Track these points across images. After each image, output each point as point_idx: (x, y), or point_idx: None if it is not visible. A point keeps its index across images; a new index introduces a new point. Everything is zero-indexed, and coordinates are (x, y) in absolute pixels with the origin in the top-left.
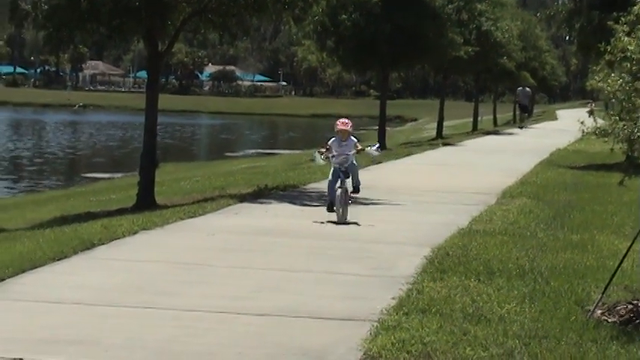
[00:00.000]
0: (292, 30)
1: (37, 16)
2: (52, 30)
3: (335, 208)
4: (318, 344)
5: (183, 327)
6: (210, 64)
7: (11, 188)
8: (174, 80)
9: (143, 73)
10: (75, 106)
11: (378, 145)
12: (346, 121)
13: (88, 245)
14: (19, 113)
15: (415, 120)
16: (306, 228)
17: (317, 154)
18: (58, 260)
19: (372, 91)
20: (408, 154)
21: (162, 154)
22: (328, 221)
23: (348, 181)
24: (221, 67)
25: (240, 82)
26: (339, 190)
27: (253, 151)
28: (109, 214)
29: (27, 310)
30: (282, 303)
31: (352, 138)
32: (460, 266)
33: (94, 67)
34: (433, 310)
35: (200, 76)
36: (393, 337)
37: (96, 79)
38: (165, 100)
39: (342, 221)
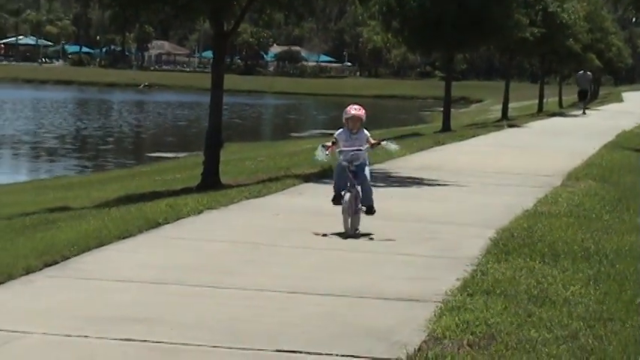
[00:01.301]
0: (358, 10)
1: None
2: (118, 9)
3: (342, 216)
4: (384, 325)
5: (249, 306)
6: (275, 44)
7: (77, 167)
8: (239, 60)
9: (208, 53)
10: (140, 85)
11: (393, 140)
12: (358, 107)
13: (154, 224)
14: (85, 93)
15: (480, 101)
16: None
17: (320, 149)
18: (123, 239)
19: (437, 72)
20: (473, 136)
21: (227, 133)
22: (332, 234)
23: (359, 188)
24: (286, 48)
25: (305, 63)
26: (348, 195)
27: (318, 131)
28: (174, 193)
29: (93, 289)
30: (347, 283)
31: (364, 131)
32: (525, 248)
33: (159, 46)
34: (498, 291)
35: (265, 56)
36: (457, 319)
37: (161, 58)
38: (230, 80)
39: (350, 234)
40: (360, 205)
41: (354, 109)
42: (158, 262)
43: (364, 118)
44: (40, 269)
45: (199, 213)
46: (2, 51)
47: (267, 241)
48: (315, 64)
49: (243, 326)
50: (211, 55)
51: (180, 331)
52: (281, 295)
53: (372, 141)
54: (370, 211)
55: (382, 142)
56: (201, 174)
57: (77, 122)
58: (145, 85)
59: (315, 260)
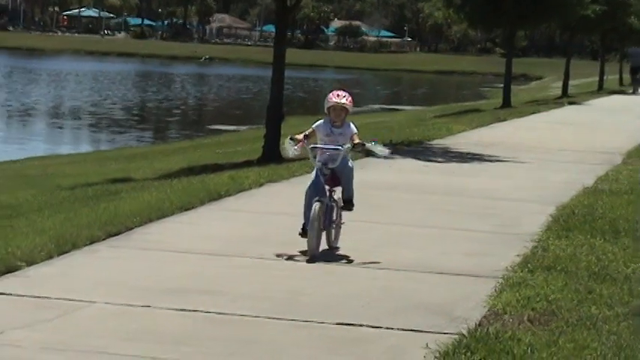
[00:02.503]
0: None
1: None
2: None
3: (308, 231)
4: (443, 300)
5: (309, 279)
6: (335, 19)
7: (140, 138)
8: (299, 35)
9: (269, 27)
10: (201, 58)
11: (384, 146)
12: (344, 93)
13: (215, 196)
14: (147, 65)
15: (540, 78)
16: (430, 183)
17: (288, 142)
18: (185, 210)
19: (497, 48)
20: (533, 112)
21: (288, 107)
22: (300, 252)
23: (338, 190)
24: (347, 23)
25: (365, 38)
26: (317, 206)
27: (377, 106)
28: (235, 165)
29: (154, 259)
30: (406, 258)
31: (351, 125)
32: (586, 225)
33: (220, 20)
34: (558, 267)
35: (326, 30)
36: (517, 294)
37: (222, 32)
38: (291, 54)
39: (315, 254)
40: (336, 223)
41: (337, 96)
42: (220, 234)
43: (350, 108)
44: (104, 239)
45: (260, 186)
46: (65, 23)
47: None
48: (375, 39)
49: (303, 299)
50: (272, 29)
51: (241, 303)
52: (341, 268)
53: (356, 140)
54: (348, 206)
55: (367, 145)
56: (263, 147)
57: (139, 94)
58: (207, 58)
59: (374, 234)
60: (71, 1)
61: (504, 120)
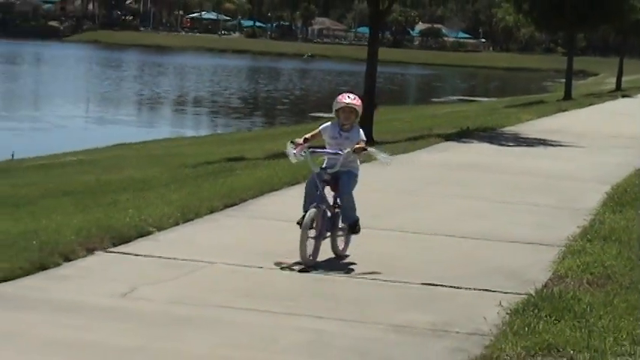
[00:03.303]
0: None
1: None
2: None
3: (300, 238)
4: (515, 265)
5: (397, 245)
6: (420, 22)
7: (252, 124)
8: (389, 35)
9: (363, 29)
10: (304, 55)
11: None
12: (354, 95)
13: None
14: (258, 61)
15: (596, 75)
16: (503, 164)
17: (289, 146)
18: (292, 185)
19: (559, 48)
20: (590, 104)
21: (378, 98)
22: (296, 264)
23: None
24: (429, 25)
25: (445, 38)
26: (312, 212)
27: (456, 97)
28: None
29: (266, 227)
30: (482, 228)
31: (360, 131)
32: (637, 201)
33: (320, 22)
34: (613, 238)
35: (411, 32)
36: (577, 261)
37: (322, 33)
38: (381, 52)
39: (309, 263)
40: (340, 224)
41: (348, 98)
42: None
43: (360, 110)
44: (222, 209)
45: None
46: (188, 24)
47: (413, 190)
48: (454, 39)
49: (392, 262)
50: (366, 31)
51: (337, 266)
52: (424, 236)
53: (357, 145)
54: (354, 229)
55: (369, 149)
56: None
57: (252, 86)
58: (309, 56)
59: (455, 207)
60: (193, 5)
61: (566, 110)
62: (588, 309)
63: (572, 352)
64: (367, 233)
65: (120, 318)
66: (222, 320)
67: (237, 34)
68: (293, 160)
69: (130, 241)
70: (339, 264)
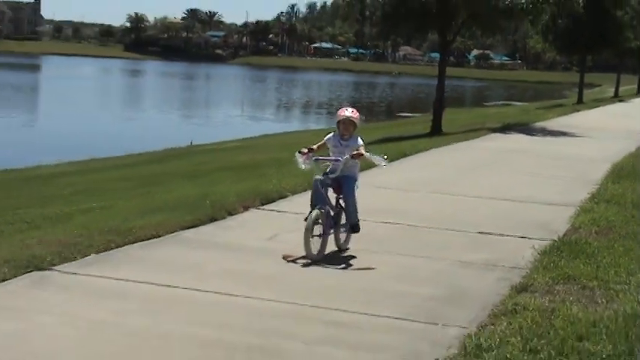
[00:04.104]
0: (528, 29)
1: (373, 21)
2: (382, 28)
3: (304, 237)
4: (544, 219)
5: (459, 207)
6: (474, 49)
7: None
8: (452, 58)
9: (434, 54)
10: (393, 73)
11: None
12: (352, 109)
13: (403, 155)
14: (360, 77)
15: (600, 86)
16: (534, 149)
17: (297, 156)
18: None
19: (574, 67)
20: (596, 106)
21: (444, 102)
22: (301, 258)
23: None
24: (481, 51)
25: (492, 61)
26: (314, 213)
27: (500, 102)
28: (414, 137)
29: (371, 190)
30: (520, 194)
31: (358, 139)
32: (631, 175)
33: (404, 49)
34: (613, 201)
35: (468, 56)
36: (588, 217)
37: (405, 57)
38: (447, 70)
39: (314, 258)
40: (342, 222)
41: (347, 111)
42: (405, 178)
43: (358, 122)
44: None
45: (429, 149)
46: (312, 51)
47: (469, 167)
48: (498, 61)
49: (454, 217)
50: (436, 55)
51: (418, 219)
52: (477, 199)
53: (360, 151)
54: (354, 229)
55: (365, 154)
56: (430, 126)
57: (356, 94)
58: (396, 73)
59: (500, 180)
60: (316, 37)
61: (579, 111)
62: (596, 251)
63: (584, 281)
64: (439, 197)
65: (266, 255)
66: (335, 256)
67: (345, 59)
68: (301, 167)
69: (273, 201)
70: (428, 219)
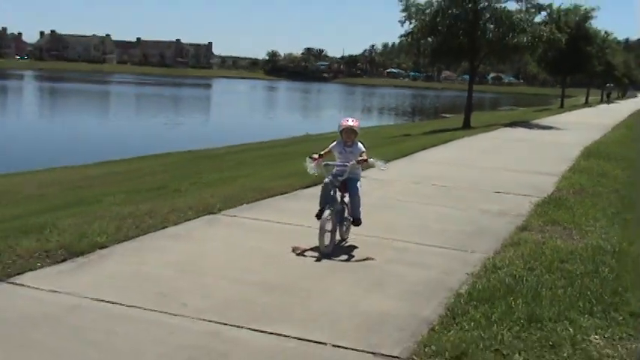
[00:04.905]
0: (528, 59)
1: (425, 55)
2: (431, 60)
3: (319, 232)
4: (537, 183)
5: (482, 176)
6: (491, 72)
7: (414, 119)
8: (477, 78)
9: (465, 76)
10: (437, 88)
11: (385, 162)
12: (353, 119)
13: (444, 142)
14: (416, 91)
15: (575, 97)
16: (531, 138)
17: (308, 161)
18: (431, 147)
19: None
20: (574, 109)
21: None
22: (311, 249)
23: (348, 199)
24: (496, 73)
25: (503, 80)
26: (327, 213)
27: (507, 107)
28: (450, 130)
29: (421, 165)
30: (523, 167)
31: (359, 144)
32: (596, 154)
33: (445, 73)
34: (584, 171)
35: (487, 77)
36: (566, 182)
37: (446, 78)
38: (473, 86)
39: (326, 251)
40: (345, 216)
41: (349, 121)
42: (446, 156)
43: (358, 130)
44: (401, 157)
45: (462, 138)
46: (385, 74)
47: (489, 150)
48: (507, 80)
49: (477, 181)
50: (467, 76)
51: (453, 183)
52: (493, 170)
53: (360, 157)
54: (357, 223)
55: (369, 160)
56: (463, 122)
57: (412, 102)
58: (440, 89)
59: (507, 157)
60: (388, 65)
61: (561, 113)
62: (572, 204)
63: (565, 224)
64: (467, 169)
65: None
66: (397, 206)
67: (407, 79)
68: (310, 172)
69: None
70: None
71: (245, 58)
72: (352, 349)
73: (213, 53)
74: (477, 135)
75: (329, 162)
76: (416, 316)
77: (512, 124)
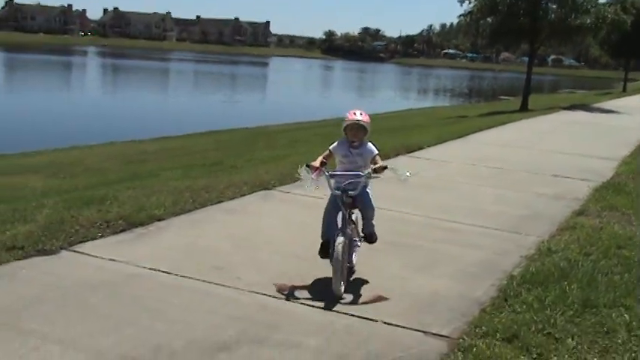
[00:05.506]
0: (590, 41)
1: (484, 35)
2: (490, 41)
3: (332, 265)
4: (596, 168)
5: (532, 157)
6: (552, 54)
7: (471, 100)
8: (536, 60)
9: (524, 58)
10: (495, 70)
11: (407, 172)
12: (361, 111)
13: (501, 123)
14: (474, 73)
15: (638, 80)
16: (591, 121)
17: (304, 170)
18: (487, 129)
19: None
20: (635, 94)
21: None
22: (299, 288)
23: (357, 214)
24: (556, 56)
25: (563, 63)
26: (340, 240)
27: (567, 90)
28: (509, 112)
29: (474, 146)
30: (581, 150)
31: (369, 145)
32: None
33: (504, 54)
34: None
35: (547, 59)
36: (627, 167)
37: (504, 59)
38: (533, 69)
39: (339, 293)
40: (356, 245)
41: (356, 114)
42: (502, 138)
43: (369, 127)
44: (456, 138)
45: (520, 120)
46: (443, 55)
47: (546, 132)
48: (567, 63)
49: (534, 164)
50: (526, 58)
51: (509, 164)
52: (550, 153)
53: (379, 162)
54: (370, 239)
55: (390, 167)
56: (521, 104)
57: (470, 84)
58: (498, 71)
59: (564, 140)
60: (445, 46)
61: (623, 97)
62: (632, 190)
63: (623, 209)
64: (524, 151)
65: (407, 184)
66: (450, 187)
67: (464, 60)
68: (307, 187)
69: (414, 151)
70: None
71: (302, 37)
72: (402, 327)
73: (270, 32)
74: (534, 117)
75: (335, 171)
76: (467, 296)
77: (572, 107)
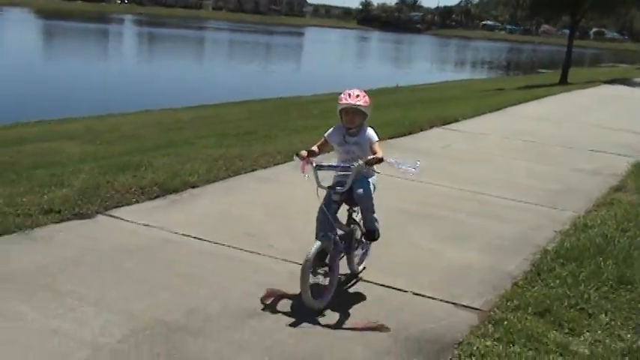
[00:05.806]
0: (636, 14)
1: (524, 7)
2: (530, 12)
3: (300, 279)
4: (637, 143)
5: (575, 133)
6: (594, 27)
7: (506, 74)
8: (577, 33)
9: (565, 30)
10: (535, 43)
11: (417, 162)
12: (358, 91)
13: (540, 97)
14: (513, 45)
15: None
16: (629, 96)
17: (296, 160)
18: (524, 103)
19: None
20: None
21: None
22: (291, 295)
23: (356, 214)
24: (598, 28)
25: (606, 36)
26: (316, 246)
27: (610, 64)
28: (548, 86)
29: (510, 119)
30: (619, 124)
31: (368, 131)
32: None
33: (544, 27)
34: None
35: (589, 31)
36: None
37: (545, 32)
38: (573, 42)
39: (316, 307)
40: (354, 242)
41: (350, 96)
42: (540, 112)
43: (367, 110)
44: (490, 112)
45: (558, 94)
46: (481, 27)
47: (584, 106)
48: (610, 36)
49: (571, 138)
50: (567, 31)
51: (545, 138)
52: (589, 127)
53: (378, 152)
54: (372, 237)
55: (390, 160)
56: (560, 77)
57: (509, 56)
58: (537, 43)
59: (605, 114)
60: (483, 17)
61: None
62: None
63: None
64: (561, 125)
65: (442, 157)
66: (485, 160)
67: (503, 32)
68: (306, 177)
69: (449, 123)
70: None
71: (338, 7)
72: (432, 298)
73: (306, 1)
74: (573, 91)
75: (322, 163)
76: (499, 270)
77: (613, 82)
